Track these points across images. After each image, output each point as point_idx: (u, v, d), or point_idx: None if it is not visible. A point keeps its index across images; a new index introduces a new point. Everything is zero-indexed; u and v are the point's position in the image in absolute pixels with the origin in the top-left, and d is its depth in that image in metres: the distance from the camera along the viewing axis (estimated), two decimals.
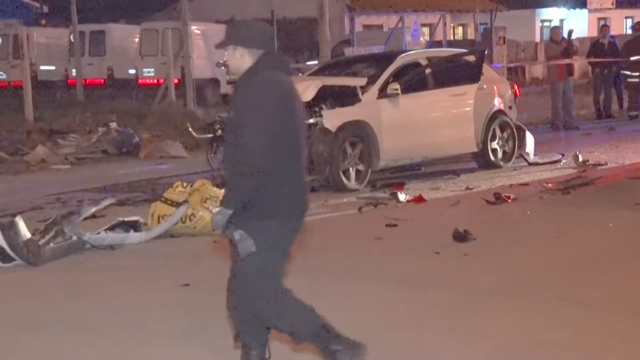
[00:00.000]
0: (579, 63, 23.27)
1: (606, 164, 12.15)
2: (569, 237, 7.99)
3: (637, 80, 18.06)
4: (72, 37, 25.29)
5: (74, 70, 24.96)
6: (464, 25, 38.11)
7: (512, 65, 28.92)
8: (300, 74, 14.00)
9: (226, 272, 6.94)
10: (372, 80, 11.12)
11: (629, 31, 38.52)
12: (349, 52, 22.91)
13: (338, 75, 11.90)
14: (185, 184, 8.50)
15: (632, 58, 18.22)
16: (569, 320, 5.53)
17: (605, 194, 10.09)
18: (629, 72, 18.30)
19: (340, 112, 10.66)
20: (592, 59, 19.51)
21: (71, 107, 20.26)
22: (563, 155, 12.64)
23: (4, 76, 28.37)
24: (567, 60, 17.41)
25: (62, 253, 7.51)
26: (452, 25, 35.82)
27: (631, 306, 5.74)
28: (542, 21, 42.18)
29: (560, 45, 18.11)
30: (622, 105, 19.43)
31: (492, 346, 5.08)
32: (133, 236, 7.99)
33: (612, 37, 21.72)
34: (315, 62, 18.56)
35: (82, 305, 6.25)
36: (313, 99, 10.52)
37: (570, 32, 19.37)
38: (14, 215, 7.67)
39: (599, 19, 41.27)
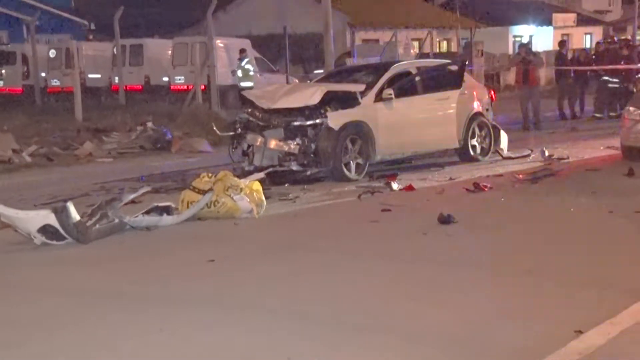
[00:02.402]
0: (544, 72, 23.16)
1: (568, 158, 12.12)
2: (536, 220, 7.99)
3: (617, 85, 18.01)
4: (115, 50, 25.33)
5: (116, 78, 25.01)
6: (448, 40, 38.01)
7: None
8: (309, 81, 13.99)
9: (245, 250, 7.00)
10: (369, 87, 11.11)
11: (588, 44, 38.59)
12: (350, 62, 22.91)
13: (340, 82, 11.88)
14: (210, 175, 8.48)
15: (612, 66, 18.22)
16: (534, 290, 5.51)
17: (567, 183, 10.08)
18: (608, 78, 18.23)
19: (343, 113, 10.63)
20: (557, 67, 19.58)
21: (114, 109, 20.30)
22: (532, 150, 12.63)
23: (57, 83, 28.42)
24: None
25: (106, 233, 7.51)
26: (437, 39, 35.74)
27: (589, 278, 5.71)
28: (514, 36, 42.01)
29: (519, 55, 18.13)
30: (582, 108, 19.40)
31: (469, 313, 5.07)
32: (166, 219, 7.99)
33: (584, 49, 21.81)
34: (321, 71, 18.51)
35: (123, 277, 6.26)
36: (319, 102, 10.52)
37: (528, 44, 19.38)
38: (66, 201, 7.67)
39: (563, 35, 41.18)
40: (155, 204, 8.18)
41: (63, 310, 5.43)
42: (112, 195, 9.24)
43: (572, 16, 45.61)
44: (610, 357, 4.10)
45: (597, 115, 18.48)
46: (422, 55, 28.79)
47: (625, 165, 10.83)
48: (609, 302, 5.01)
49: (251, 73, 20.27)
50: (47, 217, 7.21)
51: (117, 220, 7.62)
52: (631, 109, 11.63)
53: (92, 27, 39.46)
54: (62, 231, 7.19)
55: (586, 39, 43.15)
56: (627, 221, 7.71)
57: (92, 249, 7.18)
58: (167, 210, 8.11)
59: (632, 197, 8.76)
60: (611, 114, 17.88)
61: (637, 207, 8.17)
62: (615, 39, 22.38)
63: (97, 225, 7.47)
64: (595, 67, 18.72)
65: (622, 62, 18.35)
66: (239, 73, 20.80)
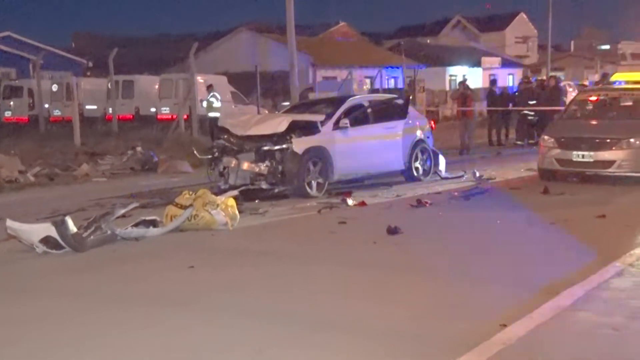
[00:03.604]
0: (479, 106, 23.46)
1: (495, 178, 12.27)
2: (469, 231, 8.07)
3: (534, 118, 18.26)
4: (109, 85, 25.13)
5: (110, 108, 24.79)
6: (395, 78, 38.37)
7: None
8: (277, 112, 13.99)
9: (221, 257, 6.95)
10: (328, 117, 11.15)
11: (511, 83, 39.27)
12: (312, 96, 22.95)
13: (304, 113, 11.88)
14: (191, 192, 8.42)
15: (530, 102, 18.49)
16: (467, 290, 5.55)
17: (494, 200, 10.19)
18: (527, 112, 18.50)
19: (305, 139, 10.64)
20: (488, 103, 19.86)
21: (108, 136, 20.11)
22: (465, 172, 12.74)
23: (59, 113, 28.17)
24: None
25: (100, 243, 7.41)
26: (386, 77, 36.05)
27: (512, 279, 5.77)
28: (450, 76, 42.68)
29: (458, 91, 18.37)
30: (507, 136, 19.69)
31: (413, 311, 5.08)
32: (152, 231, 7.90)
33: (505, 87, 22.15)
34: (288, 103, 18.54)
35: (113, 281, 6.17)
36: (286, 130, 10.53)
37: (466, 81, 19.65)
38: (65, 215, 7.56)
39: (490, 74, 41.90)
40: (143, 218, 8.08)
41: (59, 311, 5.32)
42: (105, 210, 9.08)
43: (497, 59, 46.57)
44: (528, 346, 4.13)
45: (518, 142, 18.75)
46: (373, 90, 28.98)
47: (542, 184, 11.02)
48: (529, 300, 5.06)
49: (214, 105, 20.28)
50: (48, 229, 7.11)
51: (109, 232, 7.52)
52: (546, 137, 11.82)
53: (90, 65, 39.21)
54: (61, 241, 7.08)
55: (509, 78, 43.96)
56: (544, 231, 7.83)
57: (87, 257, 7.06)
58: (153, 223, 8.02)
59: (548, 211, 8.89)
60: (530, 141, 18.18)
61: (551, 219, 8.30)
62: (533, 79, 22.80)
63: (92, 237, 7.37)
64: (518, 108, 18.97)
65: (538, 98, 18.66)
66: (204, 104, 20.77)
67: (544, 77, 26.12)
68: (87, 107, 28.27)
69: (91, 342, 4.60)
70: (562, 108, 14.91)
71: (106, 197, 11.00)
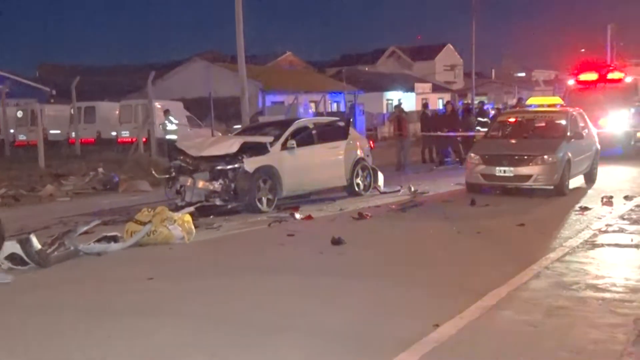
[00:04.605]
0: (414, 126, 23.73)
1: (428, 192, 12.44)
2: (405, 240, 8.14)
3: (459, 138, 18.55)
4: (72, 111, 24.58)
5: (73, 133, 24.23)
6: (338, 102, 38.69)
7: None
8: (229, 134, 13.90)
9: (179, 269, 6.84)
10: (277, 138, 11.14)
11: (440, 106, 40.05)
12: (261, 119, 22.91)
13: (254, 135, 11.85)
14: (149, 210, 8.29)
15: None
16: (404, 293, 5.60)
17: (427, 211, 10.32)
18: (453, 133, 18.81)
19: (256, 159, 10.61)
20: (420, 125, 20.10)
21: (71, 158, 19.60)
22: (401, 186, 12.89)
23: (24, 137, 27.46)
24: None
25: (64, 259, 7.21)
26: (329, 101, 36.31)
27: (444, 282, 5.85)
28: (387, 99, 43.25)
29: (394, 114, 18.60)
30: (438, 154, 19.95)
31: (356, 313, 5.09)
32: (113, 246, 7.73)
33: (436, 110, 22.49)
34: (239, 126, 18.45)
35: (78, 293, 6.00)
36: (237, 151, 10.48)
37: (401, 104, 19.94)
38: (29, 233, 7.33)
39: (422, 99, 42.66)
40: (105, 234, 7.92)
41: (24, 323, 5.14)
42: (69, 227, 8.86)
43: (428, 85, 47.52)
44: (458, 343, 4.19)
45: (448, 160, 19.04)
46: (317, 114, 29.17)
47: (469, 197, 11.22)
48: (459, 301, 5.13)
49: (168, 128, 20.16)
50: (14, 246, 6.88)
51: (72, 248, 7.34)
52: (472, 154, 12.07)
53: (54, 92, 38.32)
54: (25, 258, 6.86)
55: (439, 102, 44.84)
56: (471, 239, 7.97)
57: (51, 272, 6.85)
58: (114, 239, 7.86)
59: (474, 221, 9.06)
60: (457, 159, 18.52)
61: (478, 229, 8.46)
62: (460, 102, 23.31)
63: (56, 253, 7.18)
64: (450, 133, 19.30)
65: (462, 120, 19.03)
66: (160, 128, 20.57)
67: (469, 101, 26.72)
68: (51, 131, 27.60)
69: (52, 352, 4.46)
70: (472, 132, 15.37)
71: (70, 215, 10.72)
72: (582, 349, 4.00)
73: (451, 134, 18.25)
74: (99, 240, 7.74)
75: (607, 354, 3.91)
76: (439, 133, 18.44)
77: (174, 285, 6.20)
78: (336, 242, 7.72)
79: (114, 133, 26.69)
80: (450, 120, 18.61)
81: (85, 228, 7.96)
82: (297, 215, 9.88)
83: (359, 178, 12.32)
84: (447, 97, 44.15)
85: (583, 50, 48.41)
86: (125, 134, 25.64)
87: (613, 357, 3.84)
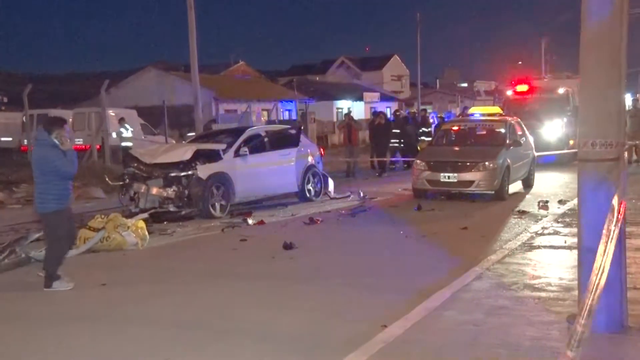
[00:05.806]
0: (362, 133, 23.85)
1: (377, 197, 12.55)
2: (355, 243, 8.18)
3: (403, 146, 18.75)
4: (24, 118, 23.81)
5: (25, 140, 23.49)
6: (289, 110, 38.66)
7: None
8: (183, 142, 13.73)
9: (132, 274, 6.71)
10: (229, 145, 11.07)
11: (389, 114, 40.49)
12: (215, 127, 22.68)
13: (207, 142, 11.73)
14: (103, 216, 8.12)
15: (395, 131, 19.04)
16: (352, 296, 5.62)
17: (376, 216, 10.41)
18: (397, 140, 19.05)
19: (209, 166, 10.51)
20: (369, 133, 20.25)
21: (23, 166, 18.95)
22: (351, 192, 12.96)
23: None
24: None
25: (15, 266, 7.00)
26: (281, 109, 36.26)
27: (391, 284, 5.90)
28: (337, 108, 43.46)
29: (344, 122, 18.70)
30: (385, 162, 20.15)
31: (306, 316, 5.09)
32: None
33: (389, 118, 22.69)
34: (193, 134, 18.24)
35: (27, 301, 5.82)
36: (191, 158, 10.37)
37: (350, 113, 20.05)
38: None
39: (371, 107, 43.08)
40: None
41: None
42: (20, 234, 8.59)
43: (377, 95, 47.99)
44: (404, 342, 4.23)
45: (393, 167, 19.24)
46: (269, 122, 29.08)
47: (416, 202, 11.38)
48: (406, 302, 5.18)
49: (124, 135, 19.83)
50: None
51: (23, 255, 7.13)
52: (418, 161, 12.24)
53: (5, 100, 37.11)
54: None
55: (387, 110, 45.30)
56: (417, 242, 8.08)
57: (2, 279, 6.62)
58: None
59: (420, 225, 9.18)
60: (404, 165, 18.75)
61: (424, 232, 8.58)
62: (407, 111, 23.60)
63: (7, 260, 6.97)
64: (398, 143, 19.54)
65: (408, 128, 19.34)
66: (114, 135, 20.16)
67: (415, 110, 27.08)
68: (3, 139, 26.72)
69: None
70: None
71: (21, 222, 10.38)
72: (519, 345, 4.10)
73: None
74: None
75: (542, 350, 4.02)
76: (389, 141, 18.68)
77: (126, 291, 6.07)
78: (288, 246, 7.72)
79: None
80: (388, 129, 18.86)
81: (36, 235, 7.72)
82: (250, 221, 9.83)
83: (310, 184, 12.34)
84: (395, 106, 44.70)
85: (520, 62, 49.89)
86: (79, 141, 24.98)
87: (548, 352, 3.95)
